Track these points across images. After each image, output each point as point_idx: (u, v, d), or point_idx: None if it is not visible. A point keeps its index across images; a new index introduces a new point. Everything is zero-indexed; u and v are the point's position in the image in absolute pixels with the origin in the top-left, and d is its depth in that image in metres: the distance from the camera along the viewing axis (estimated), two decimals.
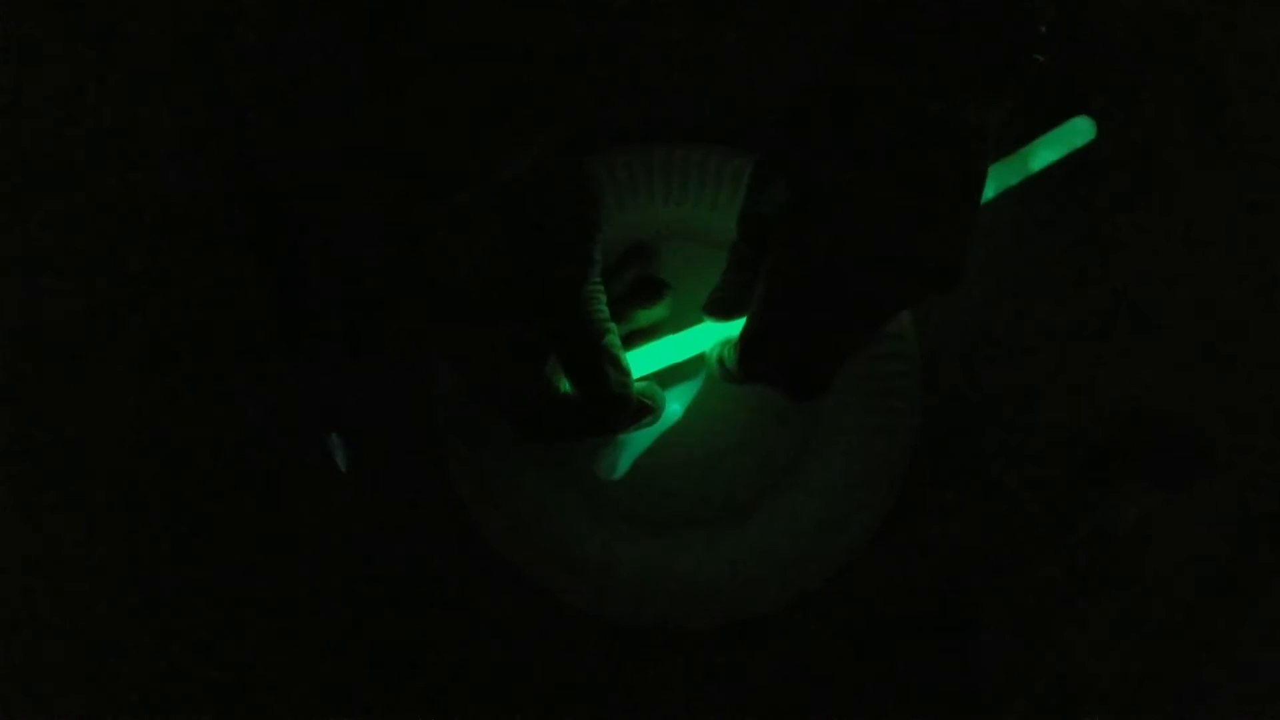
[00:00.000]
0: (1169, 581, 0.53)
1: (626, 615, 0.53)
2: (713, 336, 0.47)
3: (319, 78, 0.52)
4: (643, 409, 0.46)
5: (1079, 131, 0.46)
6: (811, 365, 0.42)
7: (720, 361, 0.45)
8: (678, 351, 0.48)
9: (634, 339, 0.50)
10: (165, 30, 0.54)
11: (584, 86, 0.54)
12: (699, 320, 0.47)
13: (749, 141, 0.53)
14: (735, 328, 0.45)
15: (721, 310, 0.45)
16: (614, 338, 0.44)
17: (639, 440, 0.51)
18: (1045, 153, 0.47)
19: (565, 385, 0.45)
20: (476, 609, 0.54)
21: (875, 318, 0.41)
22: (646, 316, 0.52)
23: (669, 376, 0.50)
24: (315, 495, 0.54)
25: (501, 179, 0.40)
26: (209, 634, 0.54)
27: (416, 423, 0.54)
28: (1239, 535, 0.53)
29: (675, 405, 0.51)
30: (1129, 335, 0.54)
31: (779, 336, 0.41)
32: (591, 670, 0.54)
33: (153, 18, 0.54)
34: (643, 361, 0.48)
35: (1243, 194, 0.54)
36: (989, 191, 0.46)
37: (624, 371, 0.44)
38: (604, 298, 0.45)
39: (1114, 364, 0.54)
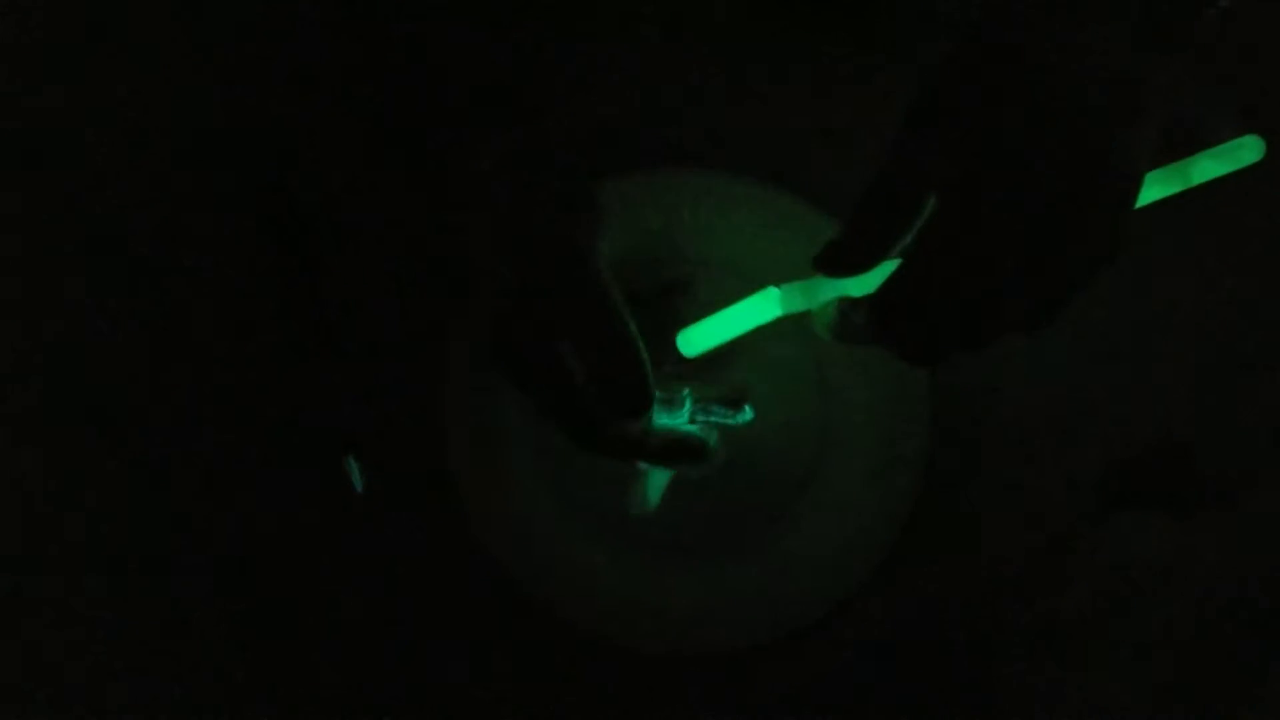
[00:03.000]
0: (1193, 610, 0.53)
1: (637, 639, 0.53)
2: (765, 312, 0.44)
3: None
4: (687, 446, 0.44)
5: (1248, 148, 0.42)
6: (959, 334, 0.38)
7: (841, 316, 0.41)
8: (734, 325, 0.45)
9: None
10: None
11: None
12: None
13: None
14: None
15: (837, 266, 0.40)
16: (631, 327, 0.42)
17: (662, 474, 0.50)
18: (1209, 165, 0.42)
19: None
20: (485, 631, 0.54)
21: (1039, 299, 0.38)
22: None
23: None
24: (322, 508, 0.54)
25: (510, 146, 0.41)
26: (209, 636, 0.53)
27: (430, 442, 0.54)
28: (1267, 562, 0.53)
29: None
30: (1142, 362, 0.54)
31: (933, 297, 0.38)
32: (595, 692, 0.54)
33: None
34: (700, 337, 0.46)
35: (1268, 216, 0.53)
36: (1142, 198, 0.40)
37: (640, 351, 0.41)
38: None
39: (1128, 391, 0.54)
